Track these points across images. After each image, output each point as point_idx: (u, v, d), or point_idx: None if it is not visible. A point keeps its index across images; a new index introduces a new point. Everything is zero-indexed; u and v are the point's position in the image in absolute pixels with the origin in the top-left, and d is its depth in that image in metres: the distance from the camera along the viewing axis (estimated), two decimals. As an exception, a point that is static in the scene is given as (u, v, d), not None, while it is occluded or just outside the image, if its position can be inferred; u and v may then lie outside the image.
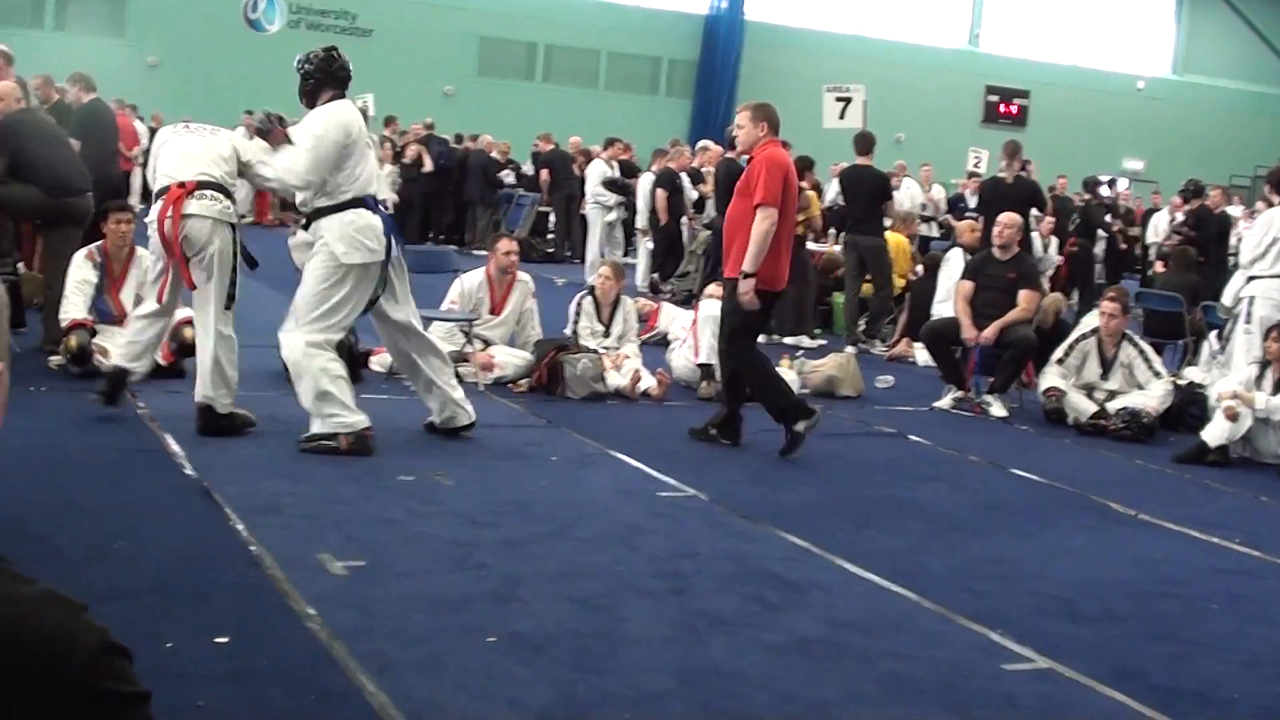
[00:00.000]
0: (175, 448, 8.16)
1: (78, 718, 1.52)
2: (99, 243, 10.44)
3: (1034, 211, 15.53)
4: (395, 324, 8.93)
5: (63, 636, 1.52)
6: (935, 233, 22.75)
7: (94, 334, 10.11)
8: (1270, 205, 12.43)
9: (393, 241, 8.76)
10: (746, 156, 9.66)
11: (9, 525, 6.19)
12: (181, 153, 8.75)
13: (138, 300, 10.25)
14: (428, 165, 24.06)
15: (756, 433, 9.81)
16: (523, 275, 11.83)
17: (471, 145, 25.97)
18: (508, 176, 25.75)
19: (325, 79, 8.75)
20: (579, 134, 27.29)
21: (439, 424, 9.09)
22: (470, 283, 11.56)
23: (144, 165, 22.07)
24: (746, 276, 9.06)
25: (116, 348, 9.39)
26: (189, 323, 10.12)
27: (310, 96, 8.95)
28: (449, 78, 35.88)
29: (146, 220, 8.86)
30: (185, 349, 10.11)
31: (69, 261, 10.36)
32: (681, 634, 5.71)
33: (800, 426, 9.28)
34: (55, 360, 10.12)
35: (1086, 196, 22.96)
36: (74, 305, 10.13)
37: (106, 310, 10.33)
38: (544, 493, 7.87)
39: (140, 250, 10.43)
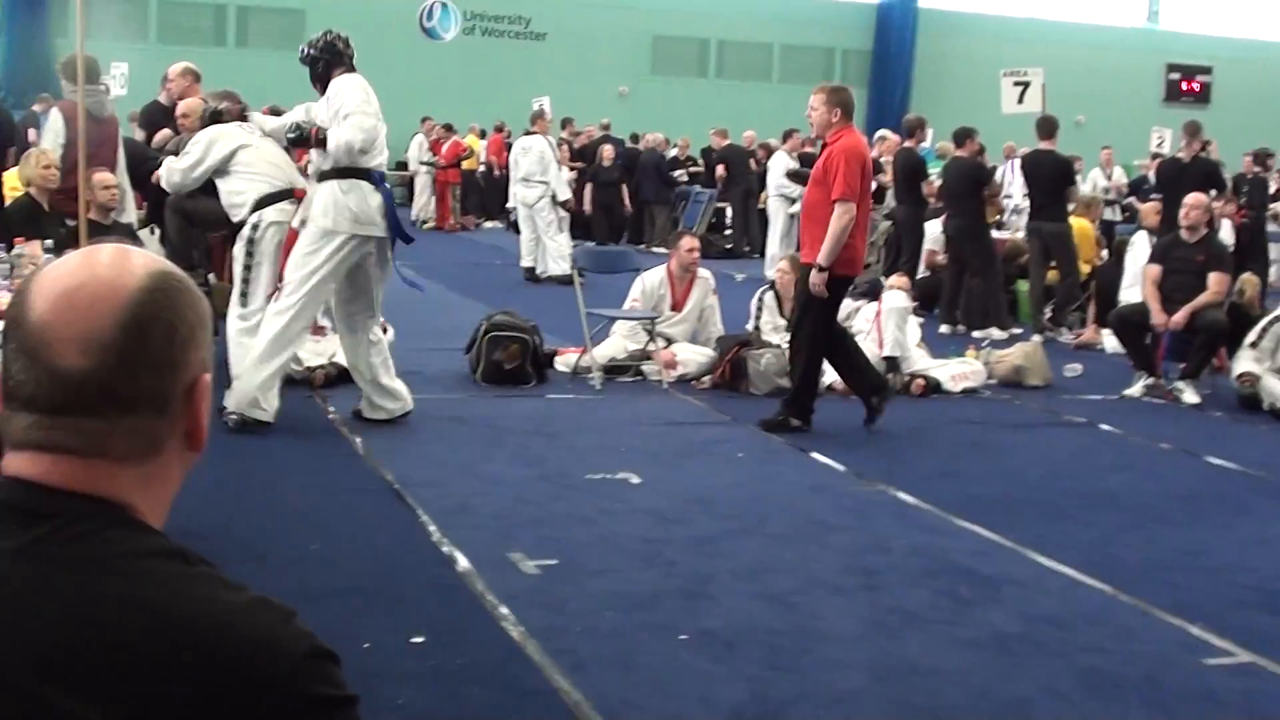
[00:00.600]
0: (368, 451, 8.29)
1: (289, 723, 1.55)
2: None
3: (1214, 193, 15.15)
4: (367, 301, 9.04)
5: (274, 642, 1.55)
6: (1118, 216, 22.34)
7: None
8: None
9: (395, 222, 8.86)
10: (821, 140, 9.66)
11: (212, 530, 6.33)
12: (276, 158, 9.27)
13: (326, 308, 10.44)
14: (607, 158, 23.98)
15: (943, 425, 9.73)
16: (703, 272, 11.84)
17: (647, 144, 26.02)
18: (681, 175, 25.78)
19: (333, 58, 8.92)
20: (753, 128, 27.23)
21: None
22: (651, 281, 11.59)
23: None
24: (821, 270, 8.99)
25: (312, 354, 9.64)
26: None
27: (323, 79, 8.95)
28: (623, 78, 36.03)
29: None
30: None
31: None
32: (874, 631, 5.67)
33: (875, 401, 9.63)
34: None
35: (1256, 169, 22.38)
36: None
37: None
38: (731, 489, 7.87)
39: None
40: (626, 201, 24.29)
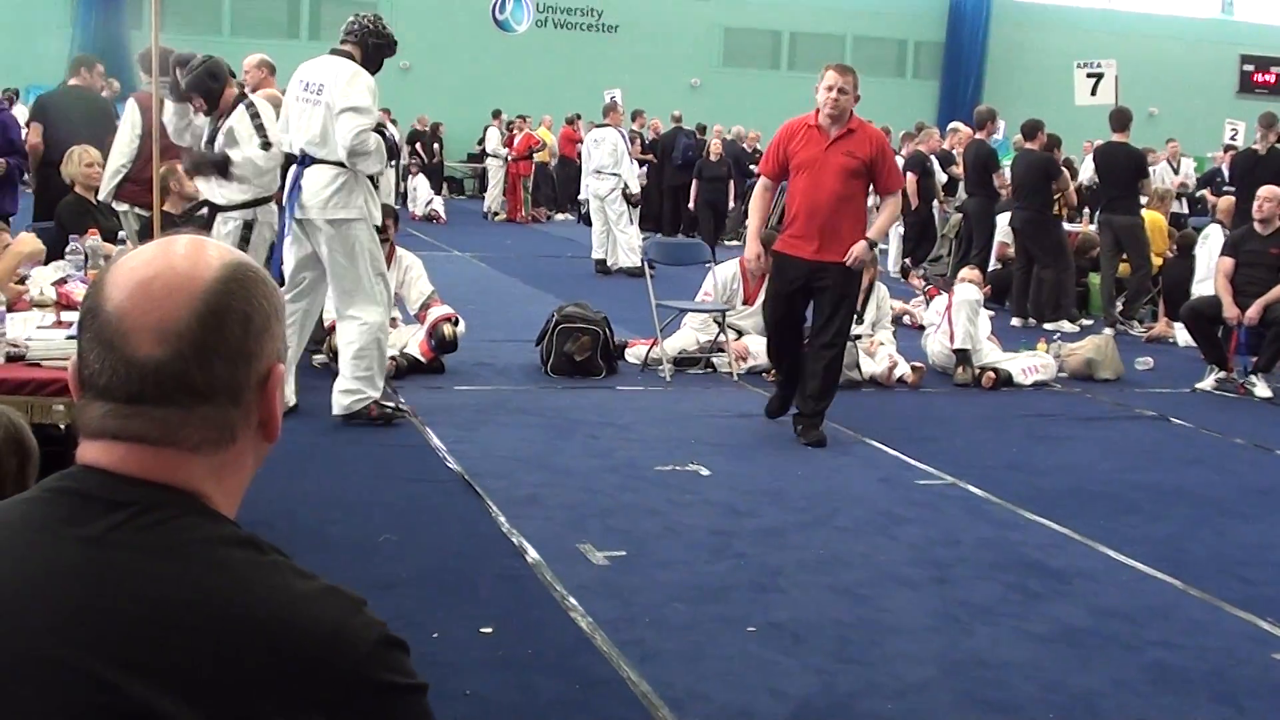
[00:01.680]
0: (437, 442, 8.34)
1: (360, 709, 1.57)
2: None
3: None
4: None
5: (345, 630, 1.58)
6: (1185, 209, 22.15)
7: None
8: None
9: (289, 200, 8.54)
10: (848, 127, 8.73)
11: (283, 518, 6.40)
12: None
13: (398, 300, 10.53)
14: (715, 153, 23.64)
15: (1013, 418, 9.70)
16: (776, 264, 11.82)
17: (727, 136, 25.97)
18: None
19: (385, 50, 8.63)
20: (826, 120, 27.13)
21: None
22: (724, 274, 11.59)
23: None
24: (873, 246, 8.92)
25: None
26: (449, 319, 10.40)
27: (375, 64, 8.57)
28: (695, 69, 36.02)
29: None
30: (444, 345, 10.35)
31: None
32: (943, 623, 5.67)
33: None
34: (319, 359, 10.42)
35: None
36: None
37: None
38: (801, 482, 7.87)
39: (400, 250, 10.70)
40: (731, 199, 23.99)
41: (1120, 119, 15.26)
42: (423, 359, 10.35)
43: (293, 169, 8.52)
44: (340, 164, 8.29)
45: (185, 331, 1.61)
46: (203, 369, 1.63)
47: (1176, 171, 25.05)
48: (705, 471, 7.96)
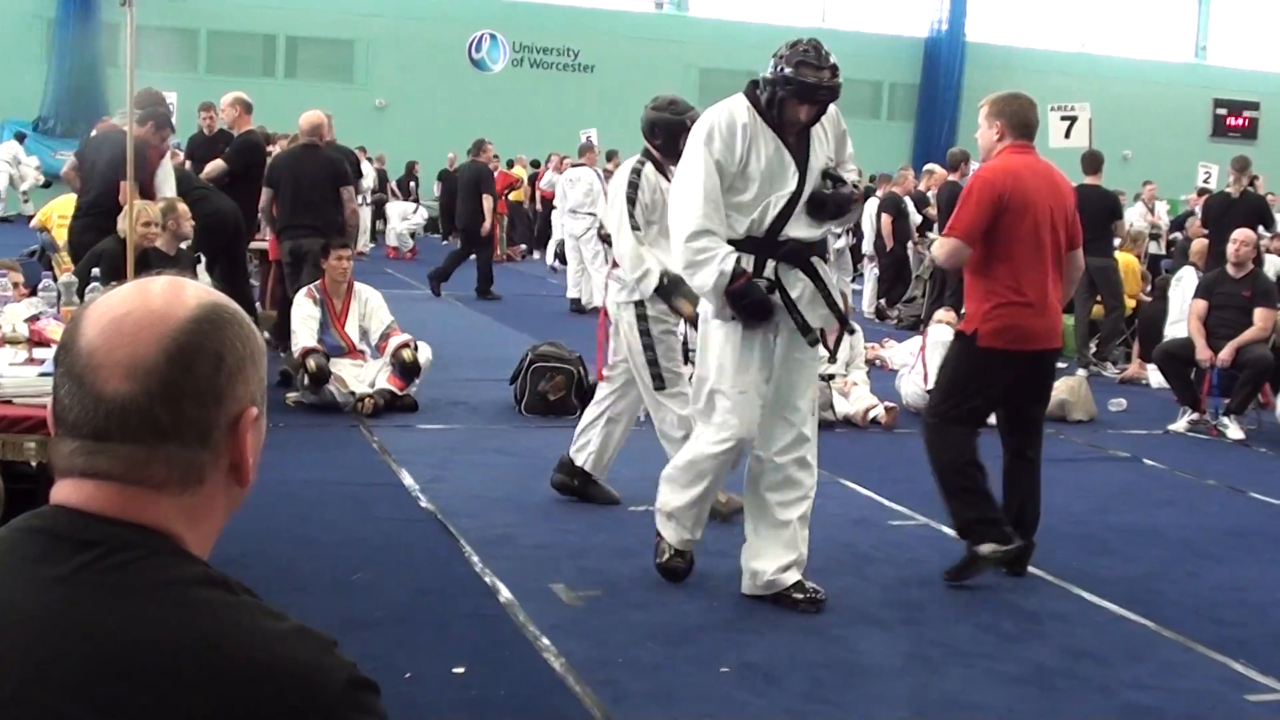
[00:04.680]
0: (410, 481, 8.33)
1: (330, 749, 1.57)
2: (318, 281, 10.72)
3: (1261, 229, 15.09)
4: None
5: (314, 671, 1.57)
6: (1162, 250, 22.30)
7: (327, 358, 10.39)
8: None
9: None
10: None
11: (255, 558, 6.37)
12: None
13: (362, 333, 10.55)
14: None
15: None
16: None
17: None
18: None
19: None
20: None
21: None
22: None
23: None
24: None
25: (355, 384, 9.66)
26: (407, 345, 10.42)
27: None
28: (670, 109, 36.10)
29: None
30: (407, 370, 10.37)
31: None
32: (916, 665, 5.67)
33: (986, 550, 6.79)
34: (292, 396, 10.41)
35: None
36: (304, 335, 10.43)
37: (334, 344, 10.60)
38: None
39: (358, 285, 10.73)
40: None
41: (1092, 161, 15.35)
42: (396, 391, 10.35)
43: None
44: None
45: (154, 369, 1.61)
46: (170, 407, 1.62)
47: (1152, 212, 25.19)
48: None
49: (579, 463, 8.11)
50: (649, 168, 7.86)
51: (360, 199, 22.46)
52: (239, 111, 12.48)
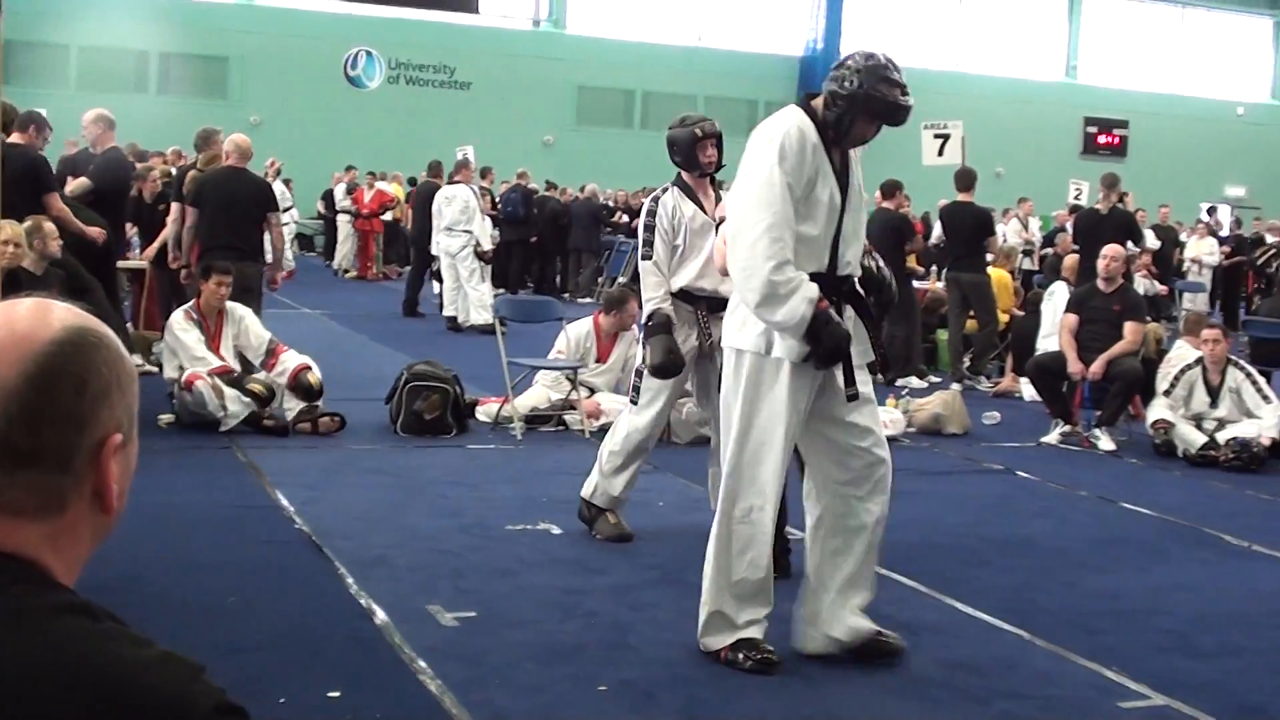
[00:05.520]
0: (285, 502, 8.24)
1: (196, 778, 1.54)
2: (194, 300, 10.60)
3: (1130, 244, 15.35)
4: None
5: (181, 699, 1.54)
6: (1035, 266, 22.65)
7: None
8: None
9: None
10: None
11: (126, 582, 6.26)
12: None
13: (237, 353, 10.42)
14: None
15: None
16: (630, 324, 11.87)
17: (580, 195, 26.05)
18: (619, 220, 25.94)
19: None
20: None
21: None
22: (577, 332, 11.60)
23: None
24: None
25: None
26: (306, 368, 10.33)
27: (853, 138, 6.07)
28: (548, 127, 36.17)
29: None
30: (311, 394, 10.42)
31: None
32: (793, 679, 5.68)
33: None
34: (164, 419, 10.27)
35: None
36: (209, 356, 10.35)
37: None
38: (652, 539, 7.87)
39: (230, 305, 10.60)
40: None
41: (965, 179, 15.55)
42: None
43: None
44: None
45: (12, 392, 1.57)
46: (29, 432, 1.58)
47: (1027, 229, 25.55)
48: (556, 530, 7.93)
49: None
50: (669, 194, 7.75)
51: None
52: (101, 129, 12.29)
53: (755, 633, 5.76)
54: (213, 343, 10.52)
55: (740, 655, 5.70)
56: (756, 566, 5.75)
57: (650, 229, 7.69)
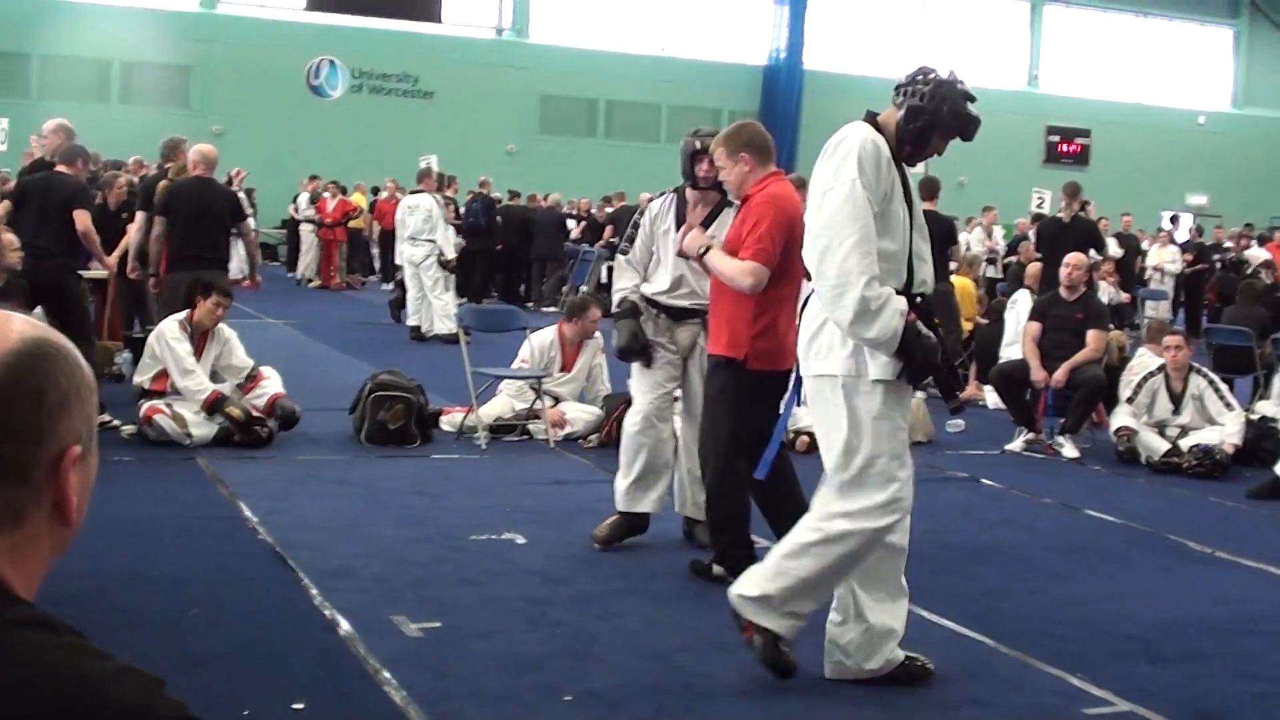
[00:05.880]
0: (248, 513, 8.21)
1: (156, 793, 1.53)
2: (188, 313, 10.49)
3: (1093, 253, 15.42)
4: None
5: (143, 713, 1.53)
6: (998, 274, 22.75)
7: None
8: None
9: None
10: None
11: (90, 595, 6.23)
12: None
13: (214, 373, 10.34)
14: None
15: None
16: (594, 332, 11.87)
17: (544, 203, 26.02)
18: (574, 232, 25.93)
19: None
20: (642, 187, 27.36)
21: None
22: (541, 341, 11.59)
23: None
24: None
25: None
26: (286, 397, 10.33)
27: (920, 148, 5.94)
28: (512, 136, 36.15)
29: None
30: (291, 420, 10.46)
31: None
32: (759, 687, 5.67)
33: (719, 572, 7.16)
34: (128, 430, 10.22)
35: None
36: (201, 376, 10.29)
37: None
38: (617, 548, 7.86)
39: (219, 326, 10.52)
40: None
41: (929, 187, 15.56)
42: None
43: None
44: None
45: (-30, 405, 1.56)
46: None
47: (990, 237, 25.67)
48: (521, 540, 7.92)
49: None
50: (662, 201, 7.98)
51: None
52: (62, 139, 12.21)
53: (792, 627, 5.67)
54: (196, 356, 10.41)
55: (761, 644, 5.62)
56: (843, 580, 5.68)
57: (636, 228, 7.89)
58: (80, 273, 11.44)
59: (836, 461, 5.56)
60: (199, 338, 10.45)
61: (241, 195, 19.57)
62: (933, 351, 5.45)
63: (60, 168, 11.14)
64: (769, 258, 6.82)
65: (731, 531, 7.25)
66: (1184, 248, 26.03)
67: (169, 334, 10.28)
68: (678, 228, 7.68)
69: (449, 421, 11.20)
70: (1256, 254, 25.54)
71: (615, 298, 7.85)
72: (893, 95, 5.77)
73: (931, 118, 5.59)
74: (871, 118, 5.72)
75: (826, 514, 5.56)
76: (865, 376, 5.43)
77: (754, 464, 6.63)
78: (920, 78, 5.72)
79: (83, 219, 10.70)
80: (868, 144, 5.45)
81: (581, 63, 37.11)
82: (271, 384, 10.49)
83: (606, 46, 37.78)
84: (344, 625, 6.18)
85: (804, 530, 5.61)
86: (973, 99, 5.71)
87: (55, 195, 10.77)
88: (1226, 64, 47.02)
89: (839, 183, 5.38)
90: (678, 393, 8.01)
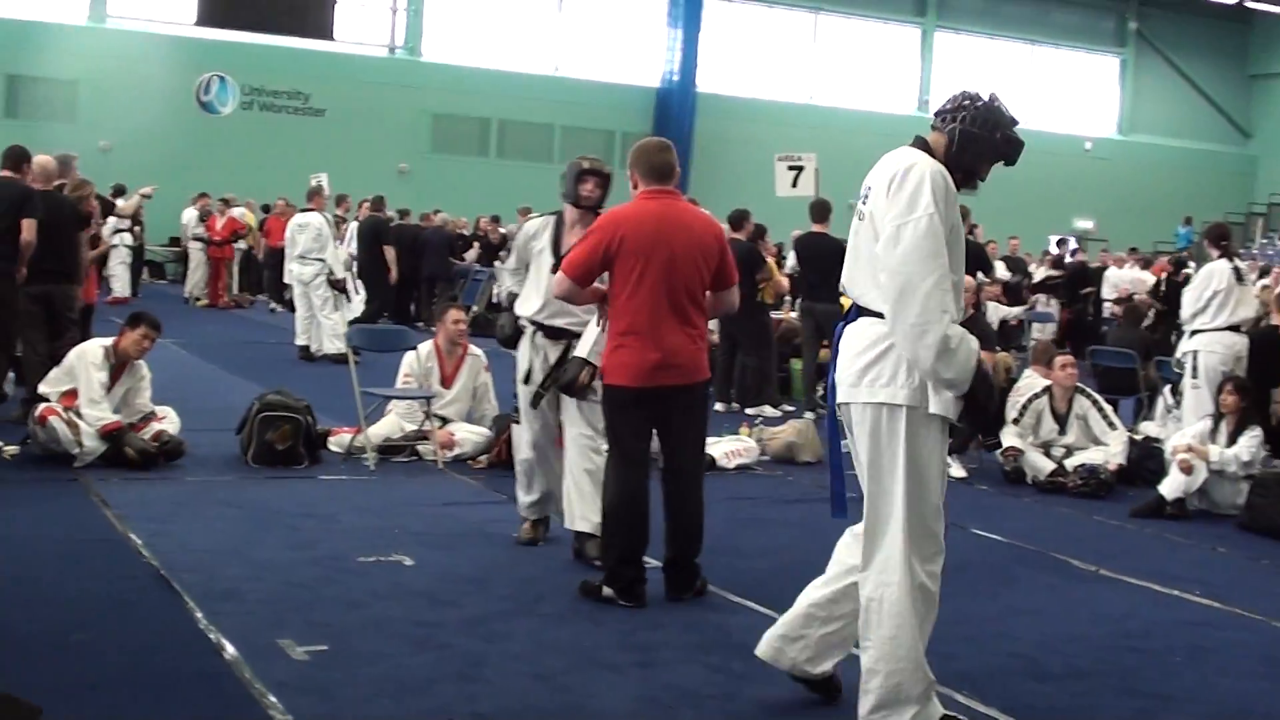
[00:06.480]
0: (133, 536, 8.09)
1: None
2: (115, 339, 10.34)
3: (980, 275, 15.59)
4: None
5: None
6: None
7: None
8: (1211, 260, 12.56)
9: None
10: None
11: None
12: None
13: (117, 408, 10.14)
14: None
15: (717, 502, 9.81)
16: (475, 349, 11.82)
17: (431, 221, 25.92)
18: (470, 252, 25.86)
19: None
20: (534, 207, 27.34)
21: None
22: (421, 352, 11.59)
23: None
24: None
25: None
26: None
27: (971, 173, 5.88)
28: (403, 155, 35.94)
29: None
30: (177, 453, 10.32)
31: None
32: (648, 708, 5.68)
33: (608, 593, 7.26)
34: (10, 450, 10.06)
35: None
36: (104, 406, 10.12)
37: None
38: (506, 569, 7.84)
39: (139, 362, 10.36)
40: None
41: (820, 210, 15.71)
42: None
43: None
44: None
45: None
46: None
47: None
48: (409, 561, 7.87)
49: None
50: (539, 222, 8.35)
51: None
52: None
53: (938, 708, 5.45)
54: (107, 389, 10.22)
55: None
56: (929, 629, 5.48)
57: (512, 240, 8.41)
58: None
59: (889, 522, 5.41)
60: (118, 368, 10.27)
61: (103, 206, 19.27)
62: (994, 393, 5.40)
63: None
64: (569, 266, 7.21)
65: (620, 549, 7.31)
66: (1065, 268, 26.31)
67: (90, 358, 10.13)
68: (552, 248, 8.01)
69: (337, 442, 11.12)
70: (1117, 275, 25.93)
71: (501, 297, 8.55)
72: (934, 120, 5.68)
73: (986, 146, 5.55)
74: (923, 144, 5.57)
75: (905, 567, 5.40)
76: (925, 409, 5.26)
77: (641, 479, 7.16)
78: (967, 103, 5.63)
79: None
80: (937, 175, 5.30)
81: (474, 82, 36.99)
82: (168, 423, 10.36)
83: (499, 66, 37.69)
84: (229, 649, 6.11)
85: (880, 599, 5.43)
86: (1017, 122, 5.68)
87: None
88: (1113, 91, 47.81)
89: (915, 216, 5.19)
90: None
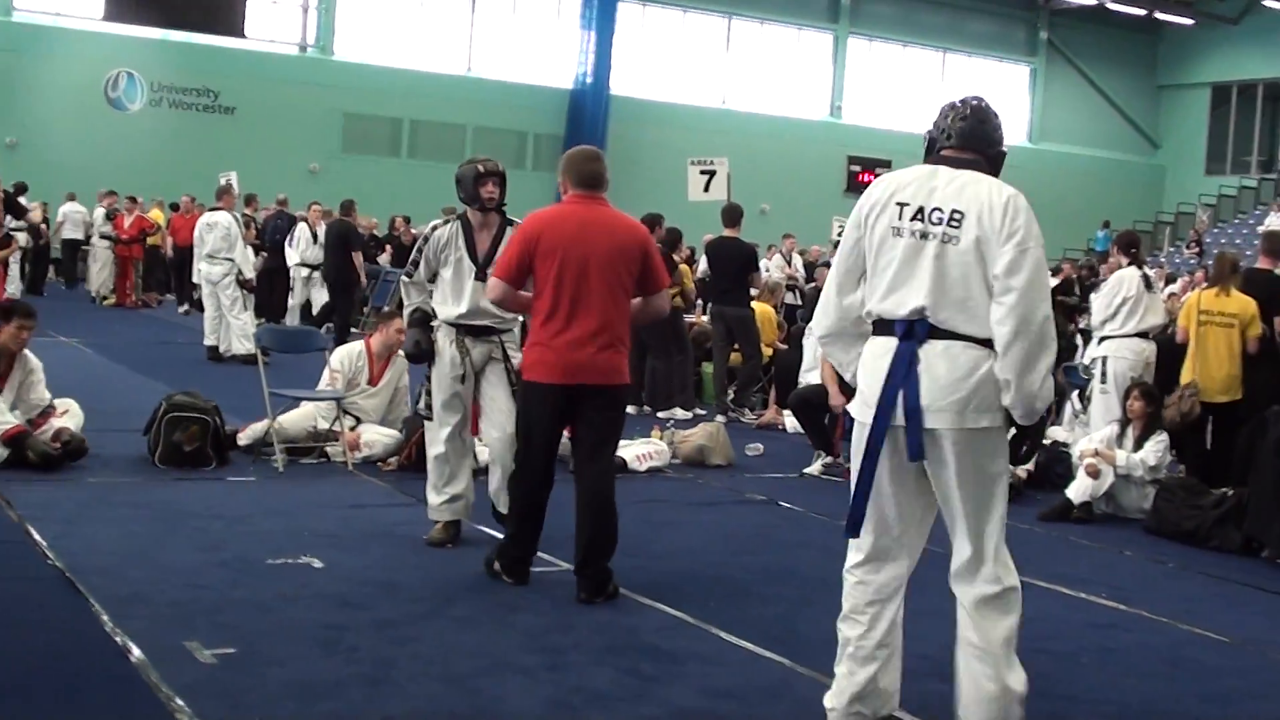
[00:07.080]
0: (37, 537, 7.98)
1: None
2: None
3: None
4: None
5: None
6: (799, 301, 23.09)
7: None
8: (1120, 267, 12.73)
9: None
10: None
11: None
12: None
13: (13, 403, 9.98)
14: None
15: (628, 505, 9.82)
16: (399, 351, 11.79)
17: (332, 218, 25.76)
18: (381, 255, 25.74)
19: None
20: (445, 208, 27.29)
21: None
22: (350, 351, 11.63)
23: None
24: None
25: None
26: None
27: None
28: (314, 154, 35.77)
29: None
30: (80, 452, 10.14)
31: None
32: (556, 710, 5.67)
33: (498, 567, 7.72)
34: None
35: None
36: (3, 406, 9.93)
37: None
38: (415, 572, 7.80)
39: (25, 353, 10.18)
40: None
41: (731, 215, 15.77)
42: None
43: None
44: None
45: None
46: None
47: (790, 264, 26.00)
48: (318, 564, 7.82)
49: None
50: (448, 228, 8.44)
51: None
52: None
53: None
54: (-3, 386, 10.08)
55: None
56: None
57: (420, 252, 8.42)
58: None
59: (997, 525, 5.56)
60: (5, 364, 10.08)
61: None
62: (1047, 417, 5.56)
63: None
64: (500, 269, 7.50)
65: (513, 528, 7.77)
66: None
67: None
68: (468, 250, 8.29)
69: (248, 434, 10.97)
70: None
71: (406, 312, 8.56)
72: (962, 140, 5.83)
73: (1000, 161, 5.74)
74: (981, 168, 5.66)
75: (1011, 582, 5.66)
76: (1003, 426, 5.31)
77: (547, 474, 7.67)
78: (994, 119, 5.89)
79: None
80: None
81: (386, 81, 36.87)
82: (69, 418, 10.23)
83: (412, 65, 37.59)
84: (136, 652, 6.04)
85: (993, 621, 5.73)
86: None
87: None
88: (1023, 100, 48.40)
89: (1035, 244, 5.28)
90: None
